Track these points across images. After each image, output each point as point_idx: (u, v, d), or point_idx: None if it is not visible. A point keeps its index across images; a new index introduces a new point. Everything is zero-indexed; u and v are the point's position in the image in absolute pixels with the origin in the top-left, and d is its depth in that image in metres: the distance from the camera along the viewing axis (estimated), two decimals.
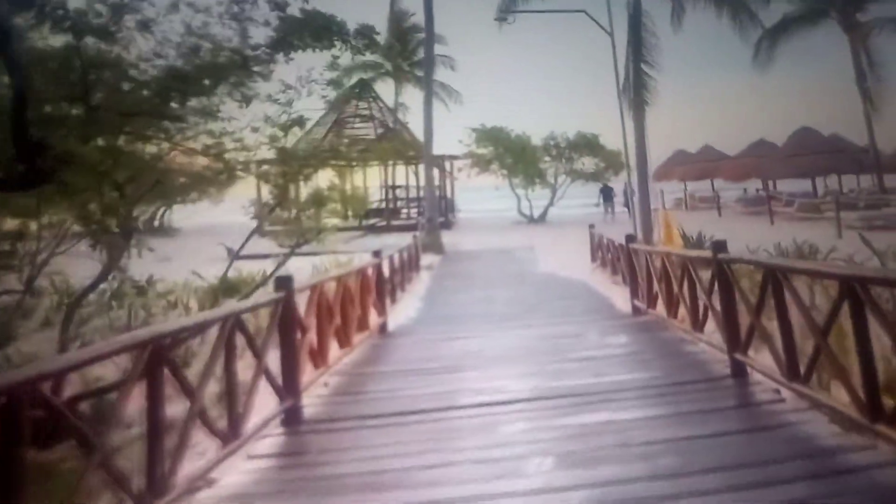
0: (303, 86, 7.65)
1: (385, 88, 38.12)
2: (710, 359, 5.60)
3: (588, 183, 31.09)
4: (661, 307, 7.71)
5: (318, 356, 5.64)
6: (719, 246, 5.14)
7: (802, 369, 4.01)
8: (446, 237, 22.18)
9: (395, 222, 27.12)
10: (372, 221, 27.97)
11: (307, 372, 5.24)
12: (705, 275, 5.81)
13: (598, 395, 4.78)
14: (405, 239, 17.43)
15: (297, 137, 9.96)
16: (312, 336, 5.63)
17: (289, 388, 4.71)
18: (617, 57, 16.23)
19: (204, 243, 21.91)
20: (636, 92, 16.19)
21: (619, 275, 11.15)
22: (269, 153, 9.02)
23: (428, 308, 10.11)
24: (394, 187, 31.24)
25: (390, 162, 31.00)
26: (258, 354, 4.29)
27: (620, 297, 9.99)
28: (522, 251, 17.36)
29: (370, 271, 8.21)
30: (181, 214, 31.91)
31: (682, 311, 6.60)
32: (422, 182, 33.48)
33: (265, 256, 16.91)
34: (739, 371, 4.95)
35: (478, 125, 29.50)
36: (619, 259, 10.78)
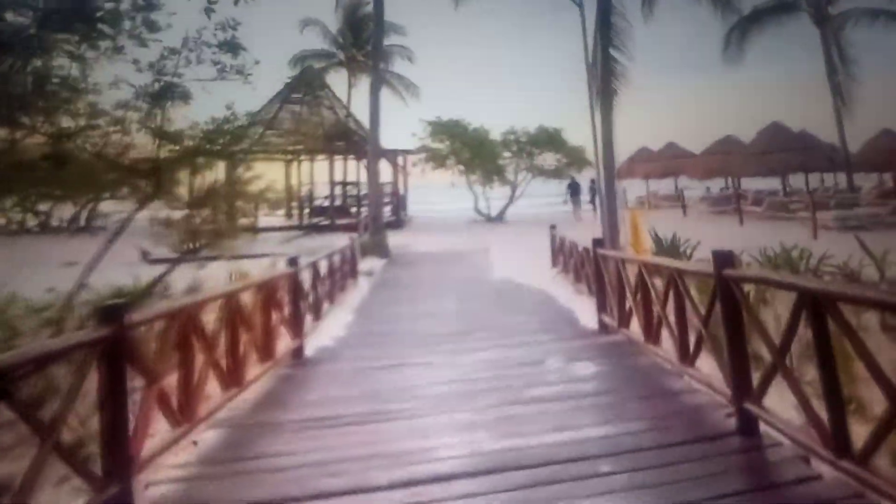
0: (191, 49, 6.26)
1: (339, 80, 36.56)
2: (705, 403, 4.43)
3: (550, 180, 30.16)
4: (635, 326, 6.60)
5: (182, 409, 4.23)
6: (724, 259, 3.93)
7: (851, 440, 2.83)
8: (396, 238, 20.82)
9: (341, 221, 25.56)
10: (315, 220, 26.42)
11: (151, 441, 3.83)
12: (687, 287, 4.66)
13: (561, 467, 3.54)
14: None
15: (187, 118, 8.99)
16: (172, 381, 4.24)
17: (114, 469, 3.31)
18: (587, 36, 15.13)
19: (129, 244, 20.05)
20: (604, 79, 15.12)
21: (583, 282, 10.02)
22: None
23: (360, 325, 8.74)
24: (343, 184, 29.67)
25: (339, 156, 29.53)
26: (44, 430, 2.86)
27: (585, 310, 8.85)
28: (477, 254, 16.15)
29: (281, 283, 6.82)
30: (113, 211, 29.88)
31: (665, 334, 5.45)
32: (382, 177, 32.44)
33: (188, 259, 15.23)
34: (749, 427, 3.78)
35: (434, 118, 28.20)
36: (584, 265, 9.64)
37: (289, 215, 29.18)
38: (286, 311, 6.90)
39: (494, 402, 4.83)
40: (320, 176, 29.40)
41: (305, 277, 8.17)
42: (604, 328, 7.69)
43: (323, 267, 9.38)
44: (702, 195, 33.86)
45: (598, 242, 8.17)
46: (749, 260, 9.30)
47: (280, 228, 25.10)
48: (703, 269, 4.59)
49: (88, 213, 28.67)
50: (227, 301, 5.23)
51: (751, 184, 32.75)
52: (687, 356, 4.77)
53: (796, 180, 30.41)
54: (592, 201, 32.34)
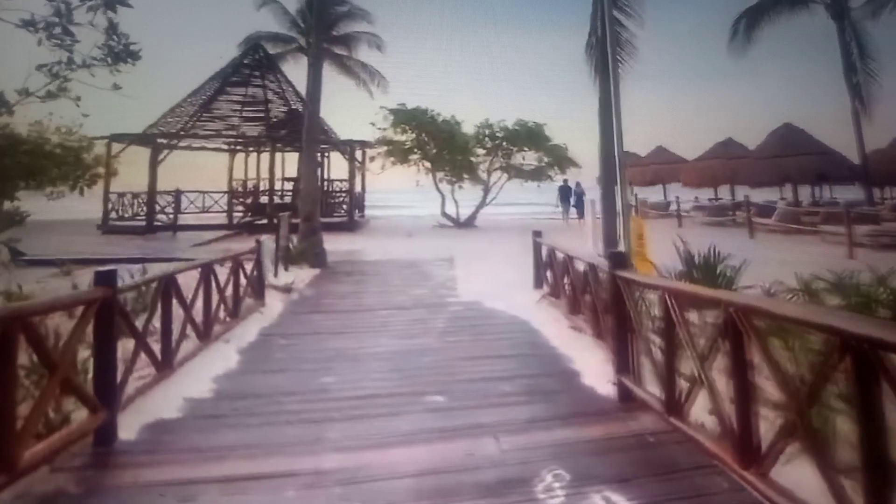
0: None
1: (298, 69, 33.20)
2: None
3: (528, 182, 27.56)
4: (699, 412, 4.00)
5: None
6: None
7: None
8: (343, 242, 17.93)
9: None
10: (251, 219, 23.36)
11: None
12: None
13: None
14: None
15: None
16: None
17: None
18: None
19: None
20: (604, 50, 12.59)
21: (581, 314, 7.32)
22: None
23: (238, 379, 5.83)
24: (295, 179, 26.57)
25: (290, 150, 26.54)
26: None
27: (590, 360, 6.18)
28: (440, 265, 13.34)
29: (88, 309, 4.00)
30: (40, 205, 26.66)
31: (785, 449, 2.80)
32: (336, 173, 29.18)
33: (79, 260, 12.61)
34: None
35: (396, 105, 25.32)
36: (586, 291, 6.93)
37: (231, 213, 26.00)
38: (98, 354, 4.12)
39: None
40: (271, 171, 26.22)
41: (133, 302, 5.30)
42: (625, 397, 5.02)
43: (180, 283, 6.43)
44: (694, 204, 31.86)
45: (616, 258, 5.43)
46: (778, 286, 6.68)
47: (206, 227, 22.04)
48: None
49: None
50: None
51: (736, 193, 30.97)
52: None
53: (786, 192, 28.59)
54: (577, 206, 30.20)
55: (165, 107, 24.91)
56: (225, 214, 24.48)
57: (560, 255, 8.43)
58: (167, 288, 5.57)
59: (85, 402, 4.18)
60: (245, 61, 26.48)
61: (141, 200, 23.59)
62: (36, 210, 27.31)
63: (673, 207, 29.98)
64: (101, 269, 4.54)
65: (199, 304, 6.75)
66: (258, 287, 8.88)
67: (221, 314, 7.42)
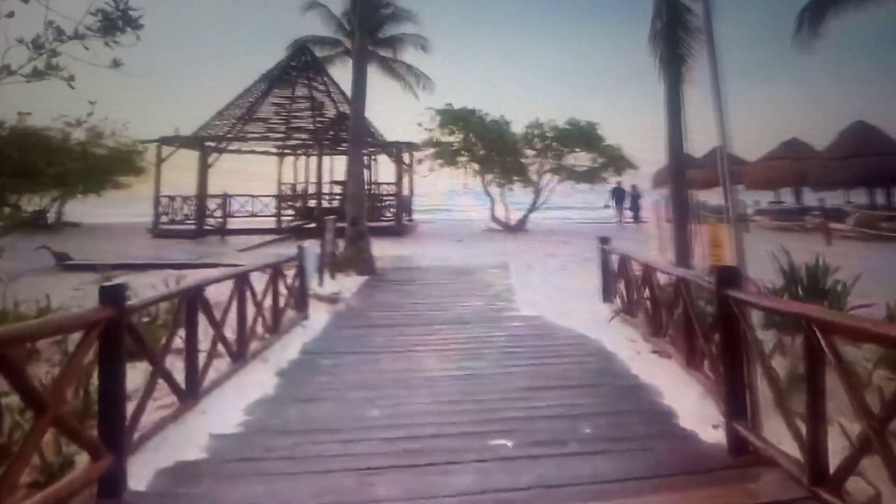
0: None
1: (345, 73, 32.49)
2: None
3: (580, 184, 26.28)
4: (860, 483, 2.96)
5: None
6: None
7: None
8: (392, 247, 17.17)
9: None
10: (299, 223, 22.85)
11: None
12: None
13: None
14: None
15: None
16: None
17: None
18: None
19: (67, 244, 16.89)
20: (671, 40, 11.50)
21: (665, 337, 6.27)
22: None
23: (275, 408, 5.01)
24: (343, 183, 25.98)
25: (340, 152, 26.03)
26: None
27: (679, 393, 5.17)
28: (493, 273, 12.39)
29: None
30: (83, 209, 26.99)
31: None
32: (383, 176, 28.47)
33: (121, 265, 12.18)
34: None
35: (444, 106, 24.41)
36: (675, 311, 5.89)
37: (279, 217, 25.54)
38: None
39: None
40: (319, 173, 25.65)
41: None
42: (739, 449, 4.02)
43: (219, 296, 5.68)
44: (756, 208, 30.07)
45: (726, 274, 4.38)
46: None
47: (255, 231, 21.61)
48: None
49: (59, 208, 25.81)
50: None
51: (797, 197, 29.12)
52: None
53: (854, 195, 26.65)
54: (633, 209, 28.86)
55: (214, 110, 24.74)
56: (274, 219, 24.08)
57: (637, 266, 7.38)
58: (192, 303, 4.80)
59: (85, 447, 3.43)
60: (292, 63, 26.03)
61: (190, 204, 23.34)
62: (92, 214, 27.82)
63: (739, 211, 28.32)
64: (107, 283, 3.78)
65: (234, 318, 6.00)
66: (300, 297, 8.11)
67: (259, 329, 6.66)
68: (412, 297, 10.01)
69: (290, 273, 8.12)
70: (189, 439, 4.30)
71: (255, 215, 25.76)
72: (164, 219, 23.10)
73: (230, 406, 4.95)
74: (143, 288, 7.86)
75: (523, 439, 4.33)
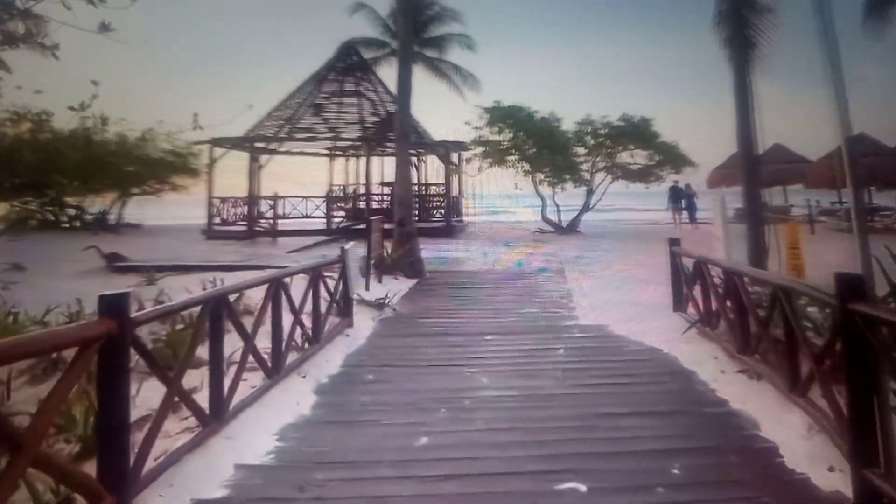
0: None
1: (392, 74, 31.97)
2: None
3: (634, 183, 25.09)
4: None
5: None
6: None
7: None
8: (442, 249, 16.52)
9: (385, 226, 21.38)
10: (348, 224, 22.46)
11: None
12: None
13: None
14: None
15: None
16: None
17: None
18: None
19: (124, 245, 16.96)
20: (738, 22, 10.49)
21: (756, 355, 5.37)
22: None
23: (294, 450, 4.20)
24: (388, 184, 25.53)
25: (385, 153, 25.60)
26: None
27: (781, 425, 4.31)
28: (548, 277, 11.56)
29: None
30: (143, 210, 27.42)
31: None
32: (432, 177, 27.92)
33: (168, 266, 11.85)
34: None
35: (492, 103, 23.59)
36: (770, 322, 4.99)
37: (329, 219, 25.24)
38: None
39: None
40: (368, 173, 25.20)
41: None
42: (870, 503, 3.16)
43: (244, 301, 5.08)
44: (819, 208, 28.23)
45: (850, 284, 3.51)
46: None
47: (305, 233, 21.32)
48: None
49: (119, 209, 26.17)
50: None
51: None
52: None
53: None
54: (689, 209, 27.58)
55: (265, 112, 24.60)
56: (324, 220, 23.77)
57: (716, 272, 6.46)
58: (216, 312, 4.20)
59: (78, 490, 2.84)
60: (339, 65, 25.69)
61: (241, 206, 23.23)
62: (152, 216, 28.17)
63: (797, 212, 26.59)
64: (106, 293, 3.16)
65: (269, 327, 5.41)
66: (344, 303, 7.49)
67: (298, 339, 6.06)
68: (463, 303, 9.30)
69: (333, 277, 7.52)
70: (210, 472, 3.69)
71: (307, 217, 25.54)
72: (216, 220, 23.06)
73: (261, 430, 4.33)
74: (177, 291, 7.46)
75: (599, 482, 3.56)
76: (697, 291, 7.04)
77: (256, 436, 4.24)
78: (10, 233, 21.37)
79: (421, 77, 29.28)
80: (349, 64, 26.01)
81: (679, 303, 7.68)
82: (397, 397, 5.11)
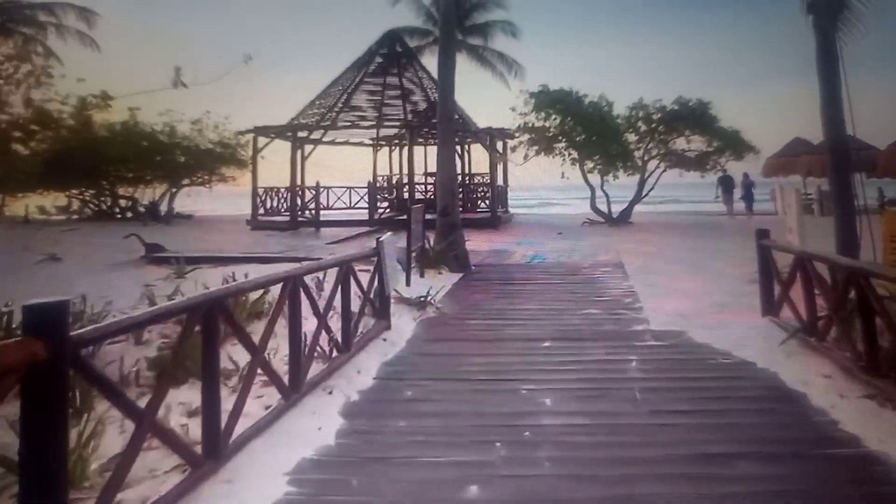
0: None
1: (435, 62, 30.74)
2: None
3: (688, 171, 23.43)
4: None
5: None
6: None
7: None
8: (486, 241, 15.50)
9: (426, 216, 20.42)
10: (391, 215, 21.59)
11: None
12: None
13: None
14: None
15: None
16: None
17: None
18: None
19: (169, 236, 16.62)
20: None
21: (890, 377, 4.19)
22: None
23: (309, 501, 3.39)
24: (433, 174, 24.54)
25: (429, 142, 24.66)
26: None
27: None
28: (606, 272, 10.39)
29: None
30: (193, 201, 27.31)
31: None
32: (477, 168, 26.86)
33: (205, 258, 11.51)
34: None
35: (539, 87, 22.26)
36: None
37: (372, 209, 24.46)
38: None
39: None
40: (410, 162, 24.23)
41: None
42: None
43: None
44: (888, 198, 26.04)
45: None
46: None
47: (349, 223, 20.61)
48: None
49: (169, 200, 26.04)
50: None
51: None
52: None
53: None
54: (746, 199, 25.83)
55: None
56: (367, 210, 22.98)
57: (824, 268, 5.24)
58: (210, 320, 3.28)
59: None
60: (382, 51, 24.76)
61: (284, 196, 22.65)
62: (204, 208, 28.03)
63: (868, 202, 24.52)
64: (34, 302, 2.25)
65: (287, 334, 4.49)
66: (381, 303, 6.53)
67: (325, 345, 5.15)
68: (513, 301, 8.23)
69: (366, 273, 6.58)
70: None
71: (352, 207, 24.84)
72: (261, 211, 22.58)
73: (269, 469, 3.42)
74: (203, 285, 6.66)
75: None
76: (796, 292, 5.82)
77: (263, 477, 3.32)
78: (66, 224, 21.57)
79: (465, 67, 28.21)
80: (392, 52, 25.08)
81: (769, 305, 6.44)
82: (441, 423, 4.13)
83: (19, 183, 21.30)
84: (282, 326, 4.58)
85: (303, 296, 4.61)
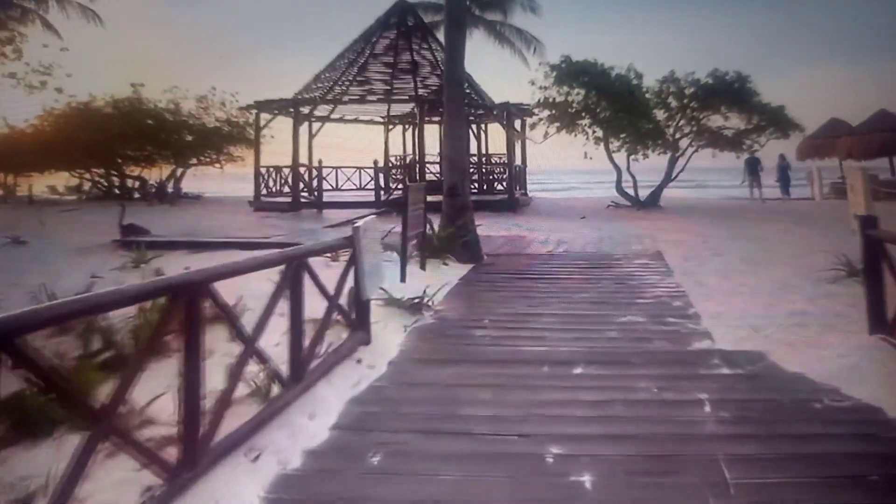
0: None
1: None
2: None
3: (721, 151, 21.37)
4: None
5: None
6: None
7: None
8: (502, 225, 13.88)
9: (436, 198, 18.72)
10: (396, 196, 19.96)
11: None
12: None
13: None
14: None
15: None
16: None
17: None
18: None
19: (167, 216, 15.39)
20: None
21: None
22: None
23: None
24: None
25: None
26: None
27: None
28: (643, 265, 8.67)
29: None
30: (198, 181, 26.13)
31: None
32: (494, 148, 25.07)
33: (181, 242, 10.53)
34: None
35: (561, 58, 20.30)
36: None
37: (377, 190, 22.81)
38: None
39: None
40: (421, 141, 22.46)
41: None
42: None
43: None
44: None
45: None
46: None
47: (353, 205, 19.06)
48: None
49: (176, 180, 24.88)
50: None
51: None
52: None
53: None
54: (781, 182, 23.98)
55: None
56: (373, 192, 21.38)
57: None
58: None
59: None
60: (392, 20, 22.92)
61: (285, 176, 21.16)
62: (212, 188, 26.85)
63: None
64: None
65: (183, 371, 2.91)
66: (358, 311, 4.89)
67: (258, 382, 3.56)
68: (533, 303, 6.56)
69: (337, 268, 4.96)
70: None
71: (363, 188, 23.27)
72: (263, 192, 21.14)
73: None
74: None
75: None
76: None
77: None
78: (74, 203, 20.62)
79: (483, 44, 26.39)
80: (404, 25, 23.26)
81: (881, 321, 4.69)
82: None
83: (25, 163, 20.87)
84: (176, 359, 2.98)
85: (214, 311, 3.00)
